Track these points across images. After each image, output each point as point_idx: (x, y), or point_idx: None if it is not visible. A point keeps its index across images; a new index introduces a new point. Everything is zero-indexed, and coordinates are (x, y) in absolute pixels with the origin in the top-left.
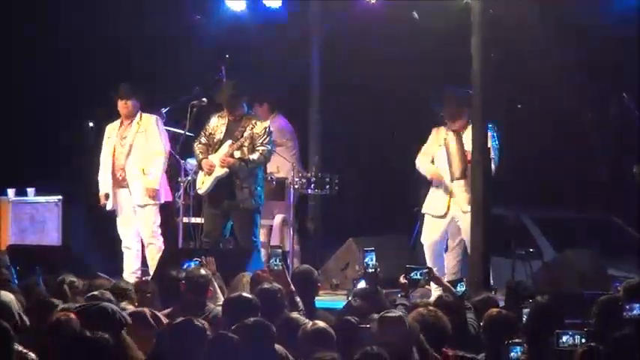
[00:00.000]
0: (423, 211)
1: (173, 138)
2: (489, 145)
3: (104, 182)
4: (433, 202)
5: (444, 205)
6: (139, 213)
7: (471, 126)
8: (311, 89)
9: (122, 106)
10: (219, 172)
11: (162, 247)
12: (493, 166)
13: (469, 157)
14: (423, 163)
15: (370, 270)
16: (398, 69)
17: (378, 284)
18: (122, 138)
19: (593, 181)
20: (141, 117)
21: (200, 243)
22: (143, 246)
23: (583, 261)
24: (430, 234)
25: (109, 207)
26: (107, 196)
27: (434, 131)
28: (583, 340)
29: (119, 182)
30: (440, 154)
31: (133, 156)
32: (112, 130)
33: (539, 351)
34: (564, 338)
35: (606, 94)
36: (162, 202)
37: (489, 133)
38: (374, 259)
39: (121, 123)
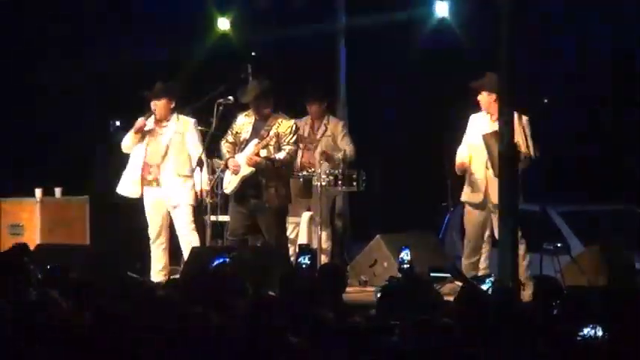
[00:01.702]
0: (462, 199)
1: (200, 136)
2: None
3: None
4: (469, 191)
5: (480, 194)
6: (174, 213)
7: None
8: (338, 86)
9: (153, 106)
10: (246, 171)
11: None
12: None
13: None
14: (460, 153)
15: (405, 266)
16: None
17: (413, 280)
18: (156, 139)
19: (620, 173)
20: (178, 118)
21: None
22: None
23: (611, 254)
24: (469, 224)
25: (125, 192)
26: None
27: (472, 118)
28: (600, 333)
29: (149, 181)
30: (479, 144)
31: (169, 156)
32: (147, 124)
33: (563, 345)
34: (585, 331)
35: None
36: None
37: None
38: (409, 254)
39: (156, 121)
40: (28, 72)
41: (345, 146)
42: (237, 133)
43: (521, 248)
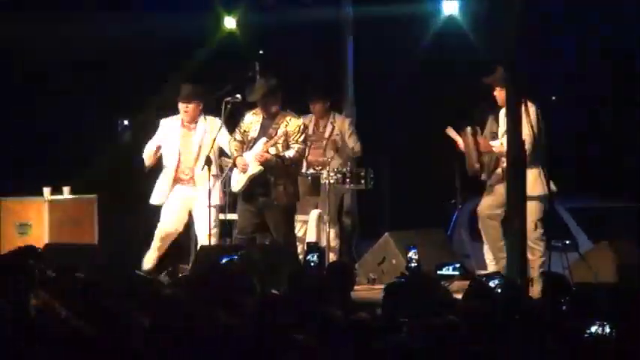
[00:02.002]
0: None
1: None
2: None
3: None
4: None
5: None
6: (202, 212)
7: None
8: (345, 84)
9: (183, 109)
10: (254, 169)
11: None
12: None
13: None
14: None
15: (413, 265)
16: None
17: (420, 278)
18: (188, 141)
19: (629, 170)
20: (205, 118)
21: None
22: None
23: (620, 252)
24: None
25: (159, 201)
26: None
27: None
28: (608, 330)
29: (182, 180)
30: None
31: (201, 157)
32: (170, 126)
33: (571, 342)
34: (593, 328)
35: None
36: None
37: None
38: (417, 254)
39: (182, 123)
40: (28, 65)
41: (353, 144)
42: (245, 131)
43: (542, 245)
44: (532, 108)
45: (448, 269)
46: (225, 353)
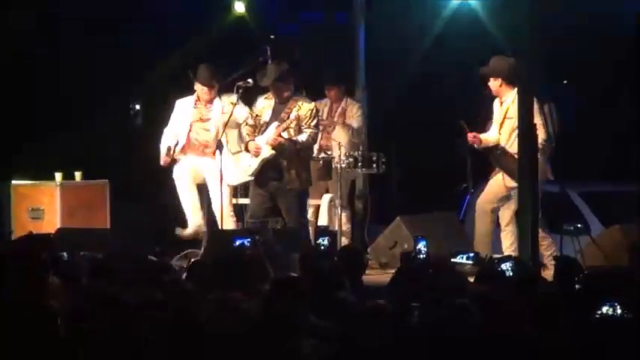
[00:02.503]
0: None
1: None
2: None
3: (167, 142)
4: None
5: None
6: (223, 189)
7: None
8: (357, 68)
9: (204, 92)
10: (266, 153)
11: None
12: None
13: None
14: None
15: (422, 256)
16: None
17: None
18: (204, 120)
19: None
20: (220, 98)
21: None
22: None
23: (631, 235)
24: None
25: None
26: (170, 149)
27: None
28: (619, 311)
29: (200, 152)
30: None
31: (209, 135)
32: (185, 106)
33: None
34: (604, 309)
35: None
36: None
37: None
38: (425, 245)
39: (196, 102)
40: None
41: (356, 124)
42: (257, 116)
43: (547, 235)
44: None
45: (462, 258)
46: (239, 338)
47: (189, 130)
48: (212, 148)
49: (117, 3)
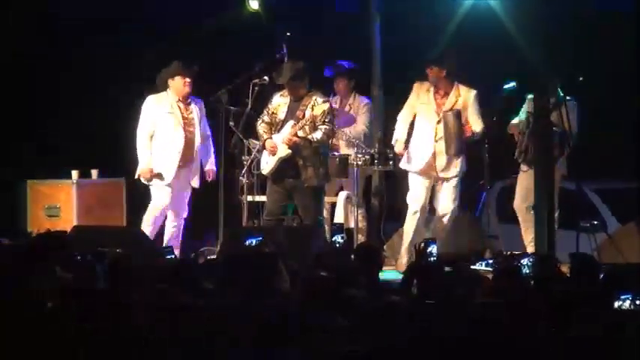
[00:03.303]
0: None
1: (236, 116)
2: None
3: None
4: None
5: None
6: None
7: (466, 94)
8: (373, 65)
9: (187, 84)
10: (283, 152)
11: None
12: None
13: (468, 132)
14: (402, 127)
15: (432, 259)
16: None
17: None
18: (187, 118)
19: None
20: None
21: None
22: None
23: None
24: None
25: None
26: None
27: (417, 86)
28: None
29: (184, 161)
30: (425, 112)
31: (198, 136)
32: (164, 104)
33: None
34: (622, 302)
35: None
36: None
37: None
38: (435, 249)
39: (177, 101)
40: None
41: (360, 126)
42: (273, 113)
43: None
44: (473, 95)
45: (481, 264)
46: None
47: (185, 132)
48: (194, 154)
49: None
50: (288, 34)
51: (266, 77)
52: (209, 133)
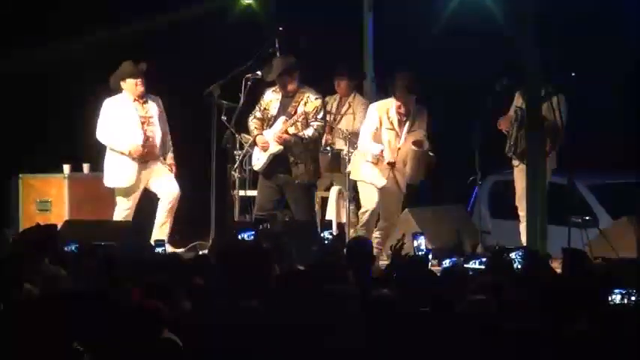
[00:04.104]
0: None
1: (228, 111)
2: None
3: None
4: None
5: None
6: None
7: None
8: (365, 62)
9: (139, 84)
10: (274, 148)
11: None
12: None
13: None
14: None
15: (420, 253)
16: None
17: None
18: (146, 117)
19: None
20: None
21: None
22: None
23: (639, 227)
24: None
25: (128, 183)
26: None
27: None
28: (633, 298)
29: (146, 160)
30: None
31: (159, 132)
32: (120, 105)
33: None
34: (615, 297)
35: None
36: None
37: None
38: (424, 243)
39: (134, 101)
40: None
41: (358, 125)
42: (264, 109)
43: None
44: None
45: (475, 263)
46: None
47: (144, 131)
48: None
49: None
50: (280, 28)
51: (259, 72)
52: (167, 129)
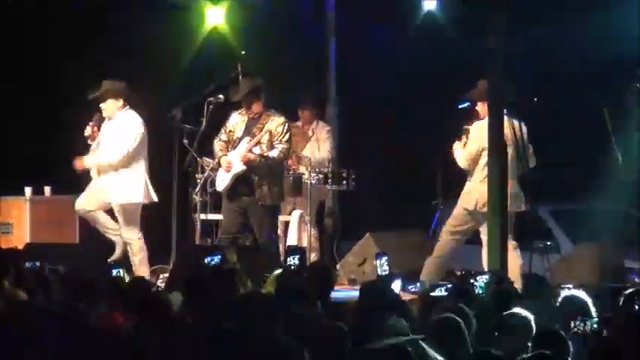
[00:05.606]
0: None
1: (190, 135)
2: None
3: None
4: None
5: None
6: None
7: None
8: (328, 85)
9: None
10: (238, 168)
11: None
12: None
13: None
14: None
15: (383, 273)
16: (416, 64)
17: (389, 287)
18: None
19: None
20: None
21: (217, 240)
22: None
23: (600, 253)
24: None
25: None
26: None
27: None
28: (595, 326)
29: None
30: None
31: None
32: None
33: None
34: (576, 323)
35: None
36: None
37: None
38: (386, 263)
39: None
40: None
41: (324, 153)
42: (230, 131)
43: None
44: (515, 122)
45: (441, 290)
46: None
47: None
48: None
49: None
50: (242, 52)
51: (221, 96)
52: None
